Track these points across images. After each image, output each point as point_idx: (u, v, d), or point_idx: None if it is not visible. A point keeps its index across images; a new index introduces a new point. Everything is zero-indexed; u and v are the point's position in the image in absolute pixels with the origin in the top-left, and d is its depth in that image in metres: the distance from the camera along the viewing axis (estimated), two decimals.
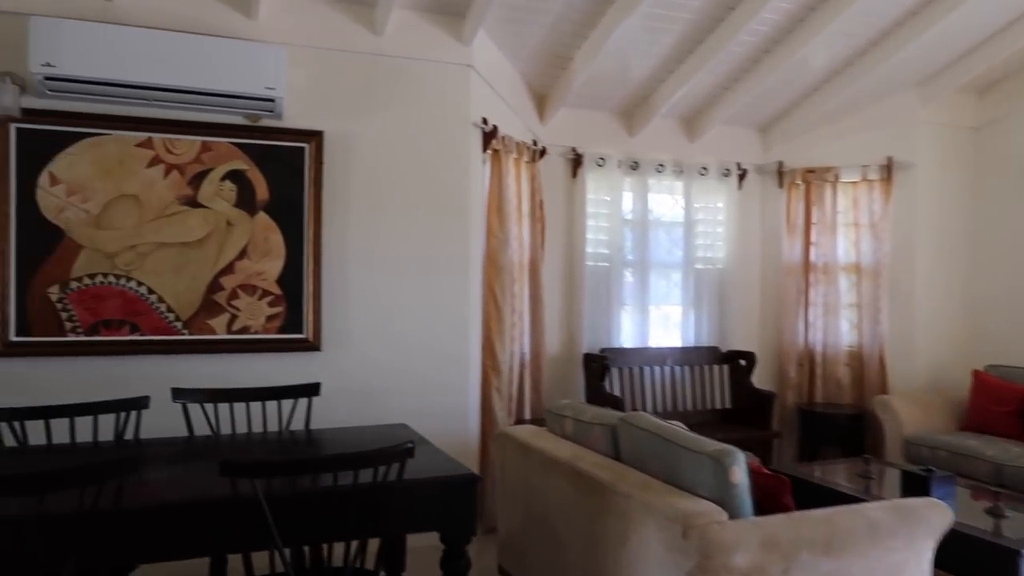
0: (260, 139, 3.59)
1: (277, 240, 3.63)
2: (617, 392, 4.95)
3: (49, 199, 3.30)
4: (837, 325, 5.33)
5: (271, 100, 3.42)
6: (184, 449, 2.76)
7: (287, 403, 3.47)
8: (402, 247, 3.84)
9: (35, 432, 3.00)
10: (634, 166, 5.16)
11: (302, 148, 3.65)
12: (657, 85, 4.79)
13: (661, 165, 5.23)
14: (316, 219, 3.67)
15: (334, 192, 3.72)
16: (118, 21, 3.31)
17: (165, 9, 3.41)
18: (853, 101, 5.10)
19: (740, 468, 2.30)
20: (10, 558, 1.89)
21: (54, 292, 3.32)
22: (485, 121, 4.07)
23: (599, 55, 4.17)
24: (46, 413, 2.77)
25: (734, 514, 2.27)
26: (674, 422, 3.15)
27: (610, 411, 2.97)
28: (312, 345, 3.67)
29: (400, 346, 3.83)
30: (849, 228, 5.38)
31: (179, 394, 2.99)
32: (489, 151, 4.16)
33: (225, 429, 3.22)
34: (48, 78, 3.11)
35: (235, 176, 3.56)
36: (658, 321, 5.36)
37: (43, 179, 3.29)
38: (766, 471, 2.51)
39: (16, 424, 2.74)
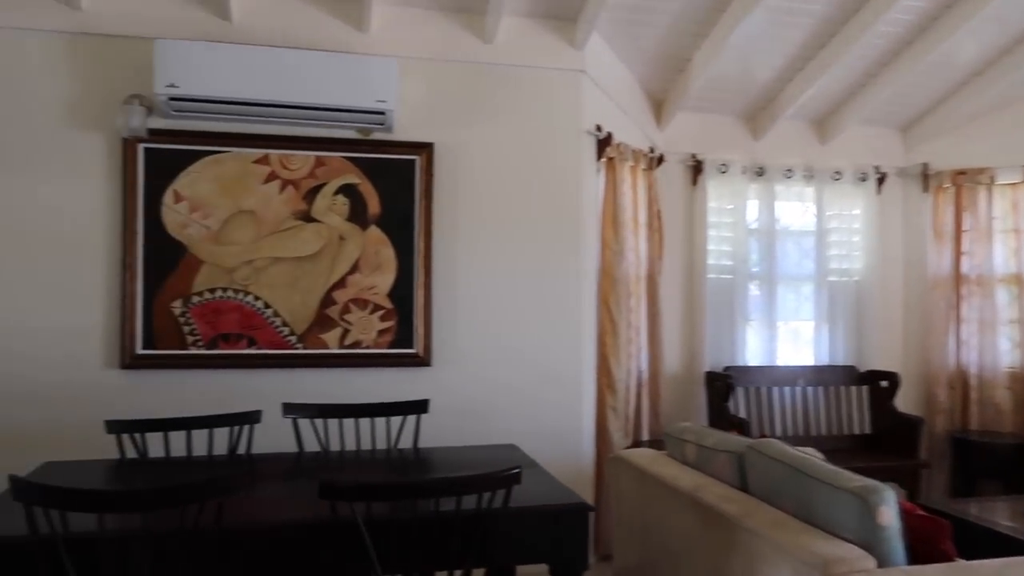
0: (371, 152, 3.58)
1: (388, 254, 3.60)
2: (743, 414, 4.63)
3: (173, 216, 3.41)
4: (995, 343, 4.78)
5: (382, 113, 3.40)
6: (292, 466, 2.73)
7: (396, 420, 3.42)
8: (513, 260, 3.72)
9: (155, 443, 3.07)
10: (759, 172, 4.84)
11: (412, 160, 3.61)
12: (784, 85, 4.47)
13: (789, 170, 4.88)
14: (427, 232, 3.62)
15: (444, 204, 3.66)
16: (237, 41, 3.38)
17: (280, 27, 3.47)
18: (1010, 94, 4.58)
19: (890, 508, 2.01)
20: (119, 573, 1.88)
21: (177, 306, 3.42)
22: (599, 128, 3.91)
23: (720, 55, 3.92)
24: (164, 426, 2.83)
25: (883, 561, 1.98)
26: (808, 449, 2.85)
27: (736, 437, 2.71)
28: (422, 360, 3.60)
29: (511, 362, 3.71)
30: (1008, 235, 4.83)
31: (289, 409, 2.99)
32: (603, 159, 3.99)
33: (335, 445, 3.19)
34: (172, 98, 3.21)
35: (347, 190, 3.56)
36: (787, 337, 4.99)
37: (168, 196, 3.40)
38: (921, 512, 2.20)
39: (137, 436, 2.80)
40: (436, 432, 3.53)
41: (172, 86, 3.19)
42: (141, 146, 3.37)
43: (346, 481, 1.90)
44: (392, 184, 3.60)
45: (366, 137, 3.59)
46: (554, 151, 3.76)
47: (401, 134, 3.60)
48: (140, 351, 3.38)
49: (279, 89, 3.29)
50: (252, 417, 2.93)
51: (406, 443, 3.24)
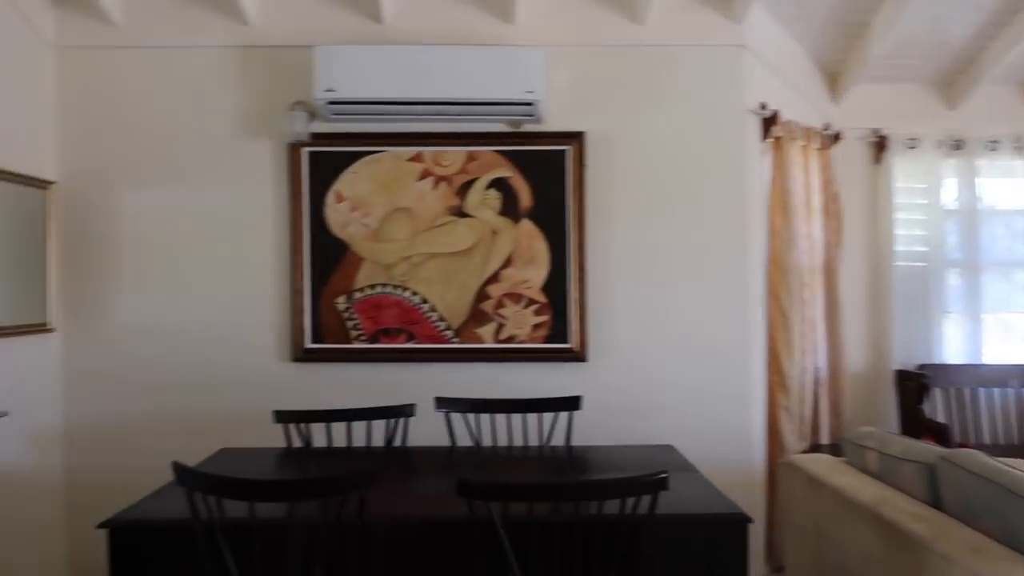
0: (522, 145, 3.53)
1: (541, 247, 3.54)
2: (941, 418, 4.12)
3: (335, 215, 3.54)
4: None
5: (531, 104, 3.34)
6: (444, 460, 2.73)
7: (548, 416, 3.34)
8: (672, 250, 3.53)
9: (319, 434, 3.20)
10: (957, 146, 4.28)
11: (563, 151, 3.52)
12: (985, 43, 3.91)
13: (994, 142, 4.28)
14: (579, 224, 3.51)
15: (598, 194, 3.53)
16: (389, 41, 3.46)
17: (430, 25, 3.50)
18: None
19: None
20: (271, 559, 1.94)
21: (341, 302, 3.55)
22: (763, 106, 3.61)
23: (904, 15, 3.49)
24: (327, 417, 2.93)
25: None
26: (1019, 461, 2.45)
27: (926, 445, 2.38)
28: (578, 355, 3.51)
29: (671, 358, 3.52)
30: None
31: (442, 403, 3.00)
32: (769, 139, 3.69)
33: (487, 440, 3.17)
34: (330, 102, 3.33)
35: (499, 184, 3.54)
36: (996, 332, 4.39)
37: (330, 197, 3.54)
38: None
39: (302, 426, 2.93)
40: (591, 430, 3.41)
41: (330, 90, 3.31)
42: (305, 150, 3.53)
43: (483, 480, 1.84)
44: (544, 176, 3.53)
45: (516, 129, 3.55)
46: (714, 133, 3.52)
47: (551, 124, 3.52)
48: (309, 345, 3.54)
49: (429, 86, 3.31)
50: (406, 411, 2.97)
51: (559, 440, 3.16)
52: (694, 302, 3.53)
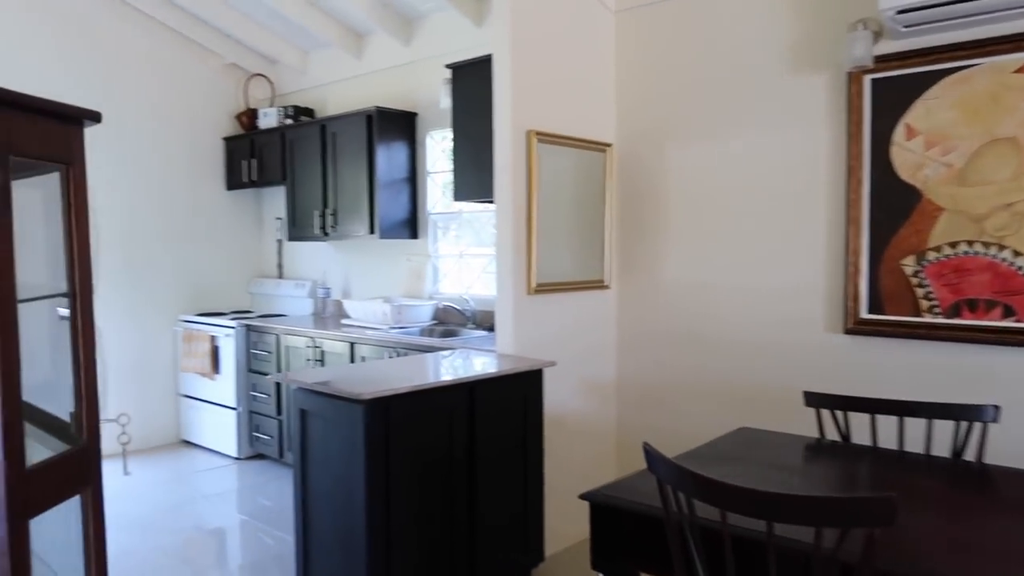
0: None
1: None
2: None
3: (904, 156, 2.83)
4: None
5: None
6: None
7: None
8: None
9: (861, 426, 2.61)
10: None
11: None
12: None
13: None
14: None
15: None
16: None
17: None
18: None
19: None
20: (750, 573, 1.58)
21: (909, 264, 2.84)
22: None
23: None
24: (872, 407, 2.35)
25: None
26: None
27: None
28: None
29: None
30: None
31: None
32: None
33: None
34: (900, 12, 2.63)
35: None
36: None
37: (898, 133, 2.84)
38: None
39: (838, 413, 2.41)
40: None
41: None
42: (867, 78, 2.89)
43: None
44: None
45: None
46: None
47: None
48: (864, 315, 2.95)
49: None
50: (984, 413, 2.18)
51: None
52: None
